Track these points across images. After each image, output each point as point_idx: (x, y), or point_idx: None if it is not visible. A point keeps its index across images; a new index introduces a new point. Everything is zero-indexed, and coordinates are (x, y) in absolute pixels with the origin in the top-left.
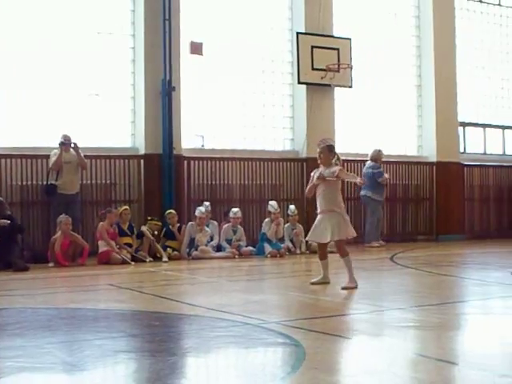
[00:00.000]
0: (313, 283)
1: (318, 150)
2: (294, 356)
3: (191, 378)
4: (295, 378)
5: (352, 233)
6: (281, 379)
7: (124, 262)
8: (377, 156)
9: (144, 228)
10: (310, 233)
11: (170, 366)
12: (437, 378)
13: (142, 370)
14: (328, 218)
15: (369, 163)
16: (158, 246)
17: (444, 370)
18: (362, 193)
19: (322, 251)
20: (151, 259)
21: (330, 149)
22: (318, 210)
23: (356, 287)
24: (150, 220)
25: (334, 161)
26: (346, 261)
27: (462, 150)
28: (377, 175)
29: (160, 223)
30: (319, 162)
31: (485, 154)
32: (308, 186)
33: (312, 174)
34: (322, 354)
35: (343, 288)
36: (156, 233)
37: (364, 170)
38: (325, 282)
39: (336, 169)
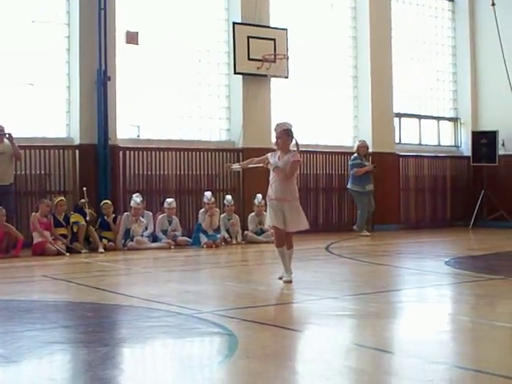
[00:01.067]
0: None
1: (276, 134)
2: (226, 345)
3: (124, 368)
4: (227, 366)
5: (306, 225)
6: (213, 368)
7: (59, 253)
8: (357, 148)
9: (82, 201)
10: (269, 219)
11: (102, 357)
12: (369, 365)
13: (74, 361)
14: (282, 206)
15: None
16: (95, 234)
17: (377, 358)
18: (347, 185)
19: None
20: (86, 250)
21: (288, 133)
22: (273, 197)
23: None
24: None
25: (291, 146)
26: (290, 253)
27: (397, 140)
28: (350, 167)
29: (95, 214)
30: (277, 147)
31: (420, 144)
32: (256, 159)
33: (268, 156)
34: (255, 343)
35: (280, 278)
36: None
37: None
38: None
39: (292, 159)
